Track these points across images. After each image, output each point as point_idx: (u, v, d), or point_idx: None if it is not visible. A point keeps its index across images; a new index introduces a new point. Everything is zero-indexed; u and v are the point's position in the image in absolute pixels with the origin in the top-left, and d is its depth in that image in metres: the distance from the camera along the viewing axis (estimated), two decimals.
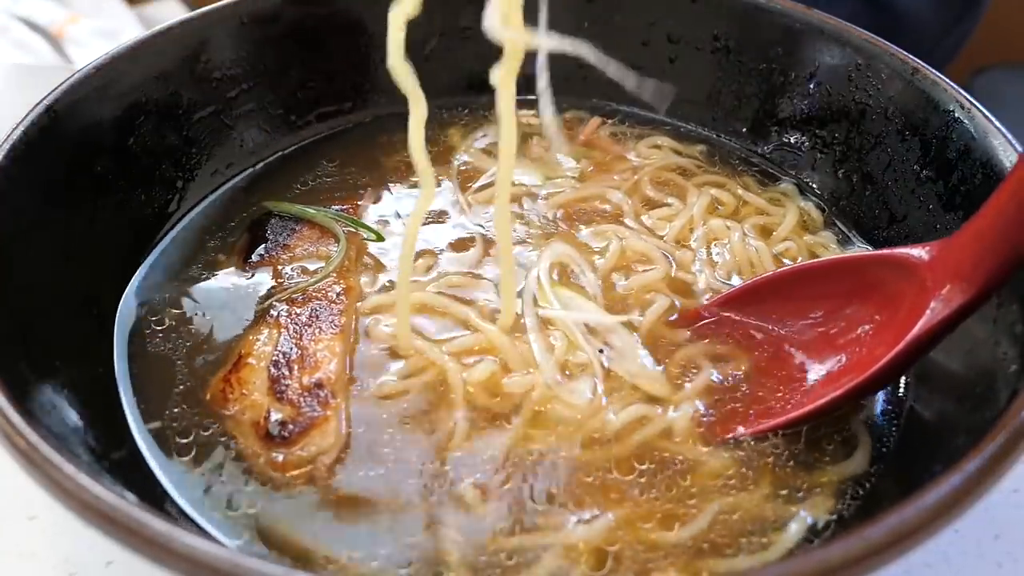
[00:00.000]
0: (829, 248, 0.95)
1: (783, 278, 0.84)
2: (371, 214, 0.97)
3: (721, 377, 0.80)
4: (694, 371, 0.81)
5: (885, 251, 0.77)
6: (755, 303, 0.84)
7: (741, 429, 0.75)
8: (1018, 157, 0.65)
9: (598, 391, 0.78)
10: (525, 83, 1.14)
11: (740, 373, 0.80)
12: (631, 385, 0.79)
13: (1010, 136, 0.81)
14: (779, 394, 0.78)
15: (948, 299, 0.68)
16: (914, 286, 0.71)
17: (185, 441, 0.74)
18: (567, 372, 0.80)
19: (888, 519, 0.52)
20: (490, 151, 1.07)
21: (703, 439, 0.75)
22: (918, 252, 0.72)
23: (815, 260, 0.87)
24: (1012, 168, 0.66)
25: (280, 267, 0.88)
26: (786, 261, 0.94)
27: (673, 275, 0.91)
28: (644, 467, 0.73)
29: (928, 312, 0.68)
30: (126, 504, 0.52)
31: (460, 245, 0.93)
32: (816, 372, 0.78)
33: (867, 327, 0.77)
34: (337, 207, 0.95)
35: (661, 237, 0.95)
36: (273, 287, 0.86)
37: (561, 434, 0.75)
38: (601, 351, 0.81)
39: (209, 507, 0.70)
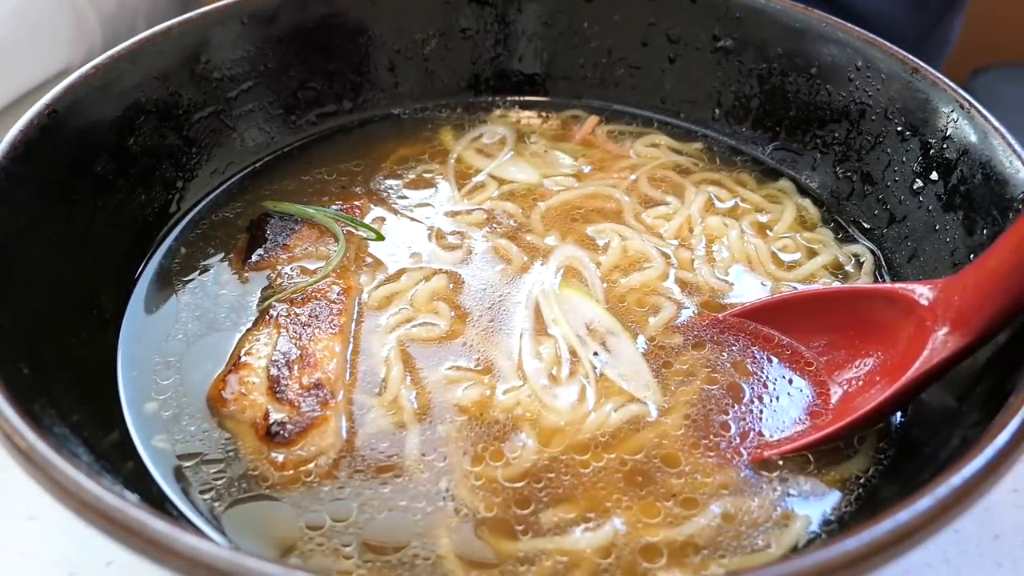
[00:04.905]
0: (827, 244, 0.95)
1: (792, 301, 0.84)
2: (370, 214, 0.97)
3: (717, 389, 0.79)
4: (690, 378, 0.80)
5: (890, 286, 0.77)
6: (765, 321, 0.84)
7: (767, 452, 0.74)
8: (1020, 214, 0.66)
9: (588, 396, 0.78)
10: (525, 82, 1.15)
11: (739, 387, 0.79)
12: (620, 389, 0.79)
13: (1010, 136, 0.81)
14: (777, 417, 0.77)
15: (946, 342, 0.68)
16: (914, 325, 0.72)
17: (184, 441, 0.74)
18: (554, 374, 0.80)
19: (888, 519, 0.52)
20: (483, 150, 1.07)
21: (705, 452, 0.75)
22: (921, 291, 0.72)
23: (823, 288, 0.87)
24: (1015, 221, 0.67)
25: (280, 267, 0.88)
26: (784, 257, 0.94)
27: (672, 273, 0.91)
28: (644, 468, 0.73)
29: (925, 353, 0.69)
30: (126, 504, 0.52)
31: (448, 246, 0.94)
32: (816, 400, 0.78)
33: (866, 361, 0.77)
34: (336, 207, 0.95)
35: (660, 235, 0.95)
36: (273, 287, 0.86)
37: (553, 439, 0.75)
38: (596, 354, 0.81)
39: (208, 507, 0.70)
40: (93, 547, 0.75)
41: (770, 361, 0.82)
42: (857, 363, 0.78)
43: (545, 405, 0.77)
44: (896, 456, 0.75)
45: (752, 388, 0.80)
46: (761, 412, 0.78)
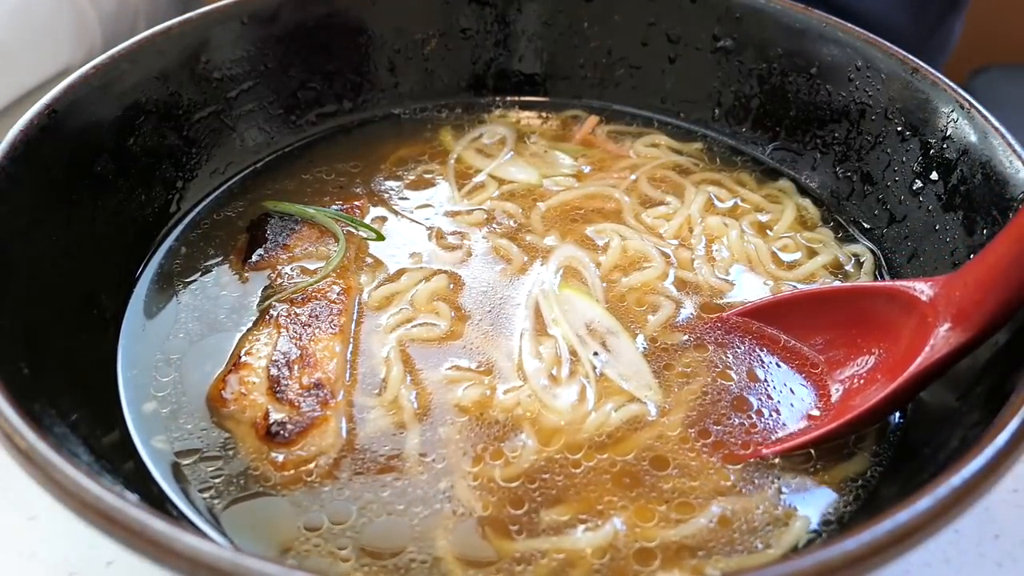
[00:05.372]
0: (828, 244, 0.95)
1: (793, 301, 0.84)
2: (370, 214, 0.97)
3: (718, 388, 0.79)
4: (692, 378, 0.80)
5: (890, 283, 0.77)
6: (768, 321, 0.84)
7: (764, 451, 0.74)
8: (1020, 209, 0.66)
9: (588, 395, 0.78)
10: (525, 82, 1.15)
11: (740, 386, 0.79)
12: (621, 389, 0.79)
13: (1010, 136, 0.81)
14: (777, 416, 0.77)
15: (947, 338, 0.68)
16: (915, 322, 0.72)
17: (184, 441, 0.74)
18: (554, 374, 0.79)
19: (888, 519, 0.52)
20: (483, 150, 1.07)
21: (705, 452, 0.74)
22: (922, 288, 0.72)
23: (824, 287, 0.87)
24: (1015, 216, 0.67)
25: (280, 267, 0.88)
26: (784, 257, 0.94)
27: (672, 273, 0.91)
28: (643, 469, 0.73)
29: (927, 350, 0.69)
30: (126, 504, 0.52)
31: (448, 246, 0.94)
32: (817, 398, 0.78)
33: (867, 359, 0.77)
34: (336, 207, 0.95)
35: (660, 235, 0.95)
36: (273, 287, 0.86)
37: (553, 439, 0.75)
38: (596, 354, 0.81)
39: (208, 506, 0.70)
40: (93, 547, 0.75)
41: (772, 361, 0.82)
42: (858, 361, 0.78)
43: (545, 405, 0.77)
44: (896, 456, 0.75)
45: (754, 387, 0.79)
46: (762, 411, 0.78)
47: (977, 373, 0.71)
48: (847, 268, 0.93)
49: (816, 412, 0.77)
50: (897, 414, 0.78)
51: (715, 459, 0.74)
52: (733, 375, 0.80)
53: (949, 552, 0.78)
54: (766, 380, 0.80)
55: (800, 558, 0.51)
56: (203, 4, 1.00)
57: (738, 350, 0.83)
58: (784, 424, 0.76)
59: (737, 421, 0.77)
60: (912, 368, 0.70)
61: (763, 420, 0.77)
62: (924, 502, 0.53)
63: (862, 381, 0.76)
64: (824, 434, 0.74)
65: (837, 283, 0.91)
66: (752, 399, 0.79)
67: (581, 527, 0.69)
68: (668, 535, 0.68)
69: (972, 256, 0.81)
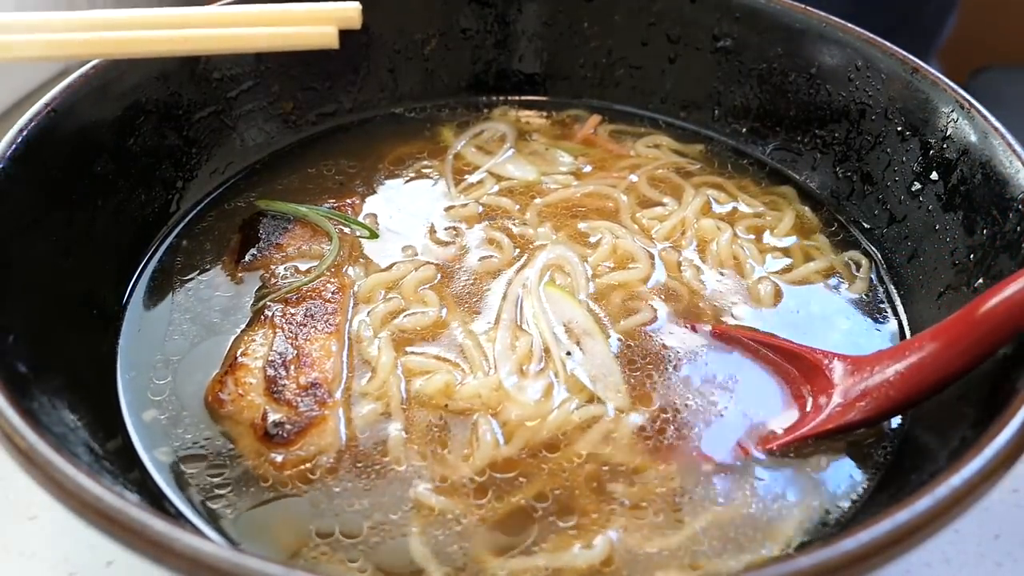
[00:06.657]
0: (824, 251, 0.95)
1: (736, 338, 0.84)
2: (365, 210, 0.97)
3: (685, 393, 0.79)
4: (662, 382, 0.80)
5: (808, 349, 0.80)
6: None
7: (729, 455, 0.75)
8: (929, 331, 0.71)
9: (554, 393, 0.78)
10: (525, 82, 1.15)
11: (707, 392, 0.79)
12: (588, 390, 0.78)
13: (1010, 136, 0.81)
14: (742, 422, 0.78)
15: (841, 413, 0.74)
16: (821, 387, 0.77)
17: (183, 442, 0.74)
18: (524, 369, 0.79)
19: (888, 519, 0.52)
20: (483, 147, 1.07)
21: (672, 453, 0.74)
22: (830, 363, 0.77)
23: (760, 334, 0.85)
24: (936, 326, 0.71)
25: (273, 267, 0.88)
26: (777, 263, 0.93)
27: (657, 276, 0.90)
28: (613, 472, 0.72)
29: (822, 416, 0.74)
30: (126, 504, 0.52)
31: (441, 241, 0.94)
32: (773, 409, 0.79)
33: (799, 396, 0.79)
34: (329, 205, 0.95)
35: (651, 237, 0.95)
36: (267, 287, 0.86)
37: (514, 435, 0.74)
38: (569, 353, 0.81)
39: (207, 508, 0.70)
40: (93, 547, 0.75)
41: (742, 370, 0.82)
42: (793, 393, 0.80)
43: (510, 398, 0.76)
44: (896, 456, 0.75)
45: (723, 394, 0.79)
46: (732, 416, 0.77)
47: (978, 374, 0.71)
48: (843, 274, 0.93)
49: (771, 421, 0.77)
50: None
51: (699, 460, 0.73)
52: (703, 383, 0.80)
53: (949, 552, 0.78)
54: (738, 389, 0.80)
55: (800, 558, 0.51)
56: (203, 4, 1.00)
57: (710, 358, 0.82)
58: (746, 429, 0.76)
59: (703, 425, 0.76)
60: (809, 427, 0.74)
61: (737, 425, 0.77)
62: (924, 502, 0.53)
63: (798, 411, 0.78)
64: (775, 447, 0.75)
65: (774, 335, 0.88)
66: (721, 405, 0.78)
67: (575, 543, 0.67)
68: (664, 540, 0.68)
69: (972, 256, 0.82)
